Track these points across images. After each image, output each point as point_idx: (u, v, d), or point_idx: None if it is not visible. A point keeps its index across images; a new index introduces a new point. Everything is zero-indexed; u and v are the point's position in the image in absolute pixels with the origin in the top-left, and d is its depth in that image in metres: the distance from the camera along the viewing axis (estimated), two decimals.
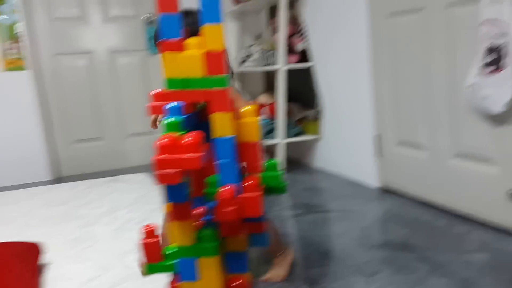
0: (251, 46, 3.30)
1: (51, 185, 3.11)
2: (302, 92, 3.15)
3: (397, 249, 1.72)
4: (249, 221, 0.81)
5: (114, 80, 3.45)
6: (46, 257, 1.79)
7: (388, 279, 1.49)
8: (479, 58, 1.74)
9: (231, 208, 0.73)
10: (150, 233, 0.80)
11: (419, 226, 1.95)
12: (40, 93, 3.26)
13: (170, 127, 0.70)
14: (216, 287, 0.77)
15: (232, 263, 0.82)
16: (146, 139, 3.53)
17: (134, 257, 1.75)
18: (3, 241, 1.82)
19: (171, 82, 0.77)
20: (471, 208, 1.96)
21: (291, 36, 3.01)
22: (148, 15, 3.44)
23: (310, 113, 3.01)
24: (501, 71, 1.67)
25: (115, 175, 3.27)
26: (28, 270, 1.59)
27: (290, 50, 3.00)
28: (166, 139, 0.66)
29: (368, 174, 2.57)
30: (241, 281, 0.81)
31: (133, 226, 2.15)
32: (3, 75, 3.11)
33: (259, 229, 0.82)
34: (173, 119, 0.71)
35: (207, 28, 0.74)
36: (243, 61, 3.40)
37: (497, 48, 1.67)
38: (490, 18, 1.67)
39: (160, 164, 0.66)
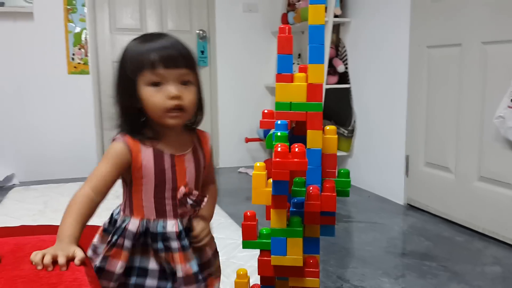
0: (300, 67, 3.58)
1: None
2: (337, 111, 3.41)
3: (420, 258, 1.97)
4: (324, 215, 1.07)
5: None
6: None
7: (411, 282, 1.74)
8: (509, 92, 1.98)
9: (317, 202, 0.99)
10: (249, 217, 1.06)
11: (440, 240, 2.19)
12: (98, 97, 3.58)
13: (280, 138, 0.97)
14: (298, 261, 1.03)
15: (308, 245, 1.08)
16: None
17: None
18: None
19: (280, 105, 1.04)
20: (489, 226, 2.20)
21: (332, 58, 3.28)
22: (200, 30, 3.76)
23: (343, 131, 3.27)
24: None
25: None
26: None
27: (331, 71, 3.26)
28: (281, 147, 0.93)
29: (395, 191, 2.82)
30: (314, 259, 1.07)
31: None
32: (69, 77, 3.45)
33: (331, 221, 1.09)
34: (281, 132, 0.98)
35: (311, 66, 1.02)
36: None
37: None
38: None
39: (276, 165, 0.92)
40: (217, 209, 2.57)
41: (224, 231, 2.16)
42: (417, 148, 2.66)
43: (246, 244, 1.07)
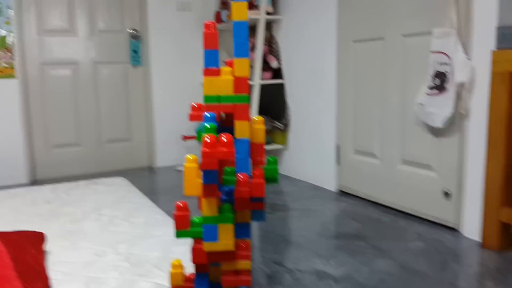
0: (226, 62, 3.64)
1: (31, 187, 3.25)
2: (272, 106, 3.52)
3: (351, 239, 2.10)
4: (254, 201, 1.14)
5: (95, 89, 3.70)
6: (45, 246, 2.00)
7: (342, 261, 1.86)
8: (427, 81, 2.15)
9: (246, 188, 1.06)
10: (181, 208, 1.11)
11: (369, 221, 2.34)
12: (24, 100, 3.46)
13: (209, 130, 1.03)
14: (230, 246, 1.10)
15: (239, 231, 1.15)
16: (121, 146, 3.81)
17: (125, 246, 2.02)
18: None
19: (208, 98, 1.10)
20: (412, 206, 2.38)
21: (266, 54, 3.38)
22: (133, 30, 3.73)
23: (278, 124, 3.37)
24: (444, 93, 2.09)
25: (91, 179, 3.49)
26: (39, 253, 1.83)
27: (265, 67, 3.36)
28: (209, 138, 0.98)
29: (328, 179, 2.97)
30: (246, 243, 1.14)
31: (119, 222, 2.37)
32: None
33: (260, 207, 1.16)
34: (210, 124, 1.03)
35: (237, 60, 1.09)
36: None
37: (441, 74, 2.09)
38: (438, 49, 2.09)
39: (205, 155, 0.98)
40: (154, 207, 2.59)
41: (161, 228, 2.18)
42: (346, 138, 2.81)
43: (179, 234, 1.12)
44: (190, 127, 3.94)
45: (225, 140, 0.98)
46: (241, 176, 1.08)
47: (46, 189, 3.14)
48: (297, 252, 1.97)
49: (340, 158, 2.87)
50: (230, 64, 1.15)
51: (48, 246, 2.03)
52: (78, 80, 3.64)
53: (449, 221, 2.19)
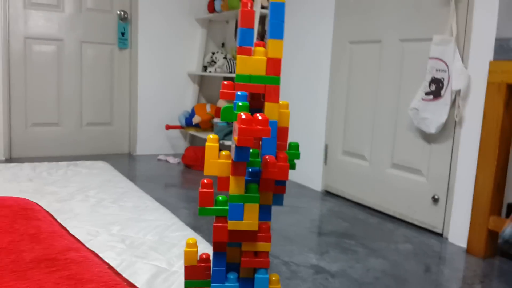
0: (215, 53, 3.60)
1: (8, 164, 3.14)
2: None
3: (340, 237, 2.11)
4: (277, 184, 1.13)
5: (79, 69, 3.59)
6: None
7: (335, 257, 1.87)
8: (423, 86, 2.19)
9: (274, 170, 1.05)
10: (206, 185, 1.09)
11: (356, 221, 2.37)
12: (6, 75, 3.32)
13: (242, 108, 1.01)
14: (255, 225, 1.08)
15: (261, 212, 1.13)
16: (101, 129, 3.71)
17: (118, 228, 1.96)
18: None
19: (240, 77, 1.08)
20: (399, 210, 2.41)
21: None
22: (122, 11, 3.64)
23: None
24: (439, 100, 2.13)
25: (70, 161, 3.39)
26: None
27: None
28: (245, 115, 0.96)
29: (314, 178, 2.97)
30: (266, 225, 1.13)
31: (108, 205, 2.31)
32: None
33: (282, 191, 1.15)
34: (242, 103, 1.01)
35: (271, 41, 1.07)
36: (206, 67, 3.70)
37: (438, 80, 2.13)
38: (436, 55, 2.13)
39: (242, 132, 0.96)
40: (142, 193, 2.53)
41: (152, 213, 2.13)
42: (336, 138, 2.83)
43: (203, 211, 1.09)
44: (174, 117, 3.88)
45: (261, 118, 0.96)
46: (268, 158, 1.06)
47: (25, 168, 3.03)
48: (290, 245, 1.96)
49: (327, 158, 2.89)
50: (259, 46, 1.13)
51: None
52: (62, 58, 3.52)
53: (435, 226, 2.23)
